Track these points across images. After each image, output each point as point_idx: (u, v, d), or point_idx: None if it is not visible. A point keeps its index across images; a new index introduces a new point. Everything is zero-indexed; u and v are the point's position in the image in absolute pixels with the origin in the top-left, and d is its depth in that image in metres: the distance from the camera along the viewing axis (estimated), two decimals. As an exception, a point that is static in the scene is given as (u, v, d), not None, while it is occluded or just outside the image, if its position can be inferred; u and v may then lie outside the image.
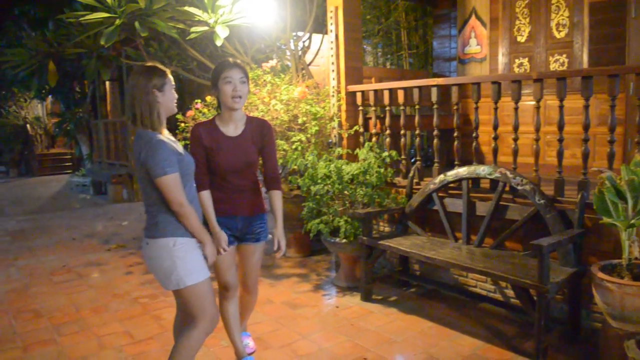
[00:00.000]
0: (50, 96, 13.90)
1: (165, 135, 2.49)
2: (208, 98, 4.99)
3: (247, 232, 2.96)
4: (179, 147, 2.51)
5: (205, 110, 4.97)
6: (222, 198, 2.85)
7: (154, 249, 2.46)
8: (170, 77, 2.50)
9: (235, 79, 2.70)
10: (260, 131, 2.88)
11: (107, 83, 11.34)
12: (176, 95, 2.55)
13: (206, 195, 2.80)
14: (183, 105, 11.42)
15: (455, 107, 4.35)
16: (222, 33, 4.71)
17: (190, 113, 5.05)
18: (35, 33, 7.62)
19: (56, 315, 4.14)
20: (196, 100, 5.08)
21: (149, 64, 2.50)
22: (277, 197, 2.95)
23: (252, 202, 2.93)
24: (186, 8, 4.82)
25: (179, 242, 2.45)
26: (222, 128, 2.82)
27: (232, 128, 2.83)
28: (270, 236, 3.06)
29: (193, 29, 4.79)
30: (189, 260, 2.47)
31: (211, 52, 6.22)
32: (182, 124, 5.03)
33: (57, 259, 5.91)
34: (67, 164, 16.23)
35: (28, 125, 16.57)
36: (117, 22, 4.70)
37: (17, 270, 5.50)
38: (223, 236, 2.77)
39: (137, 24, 4.76)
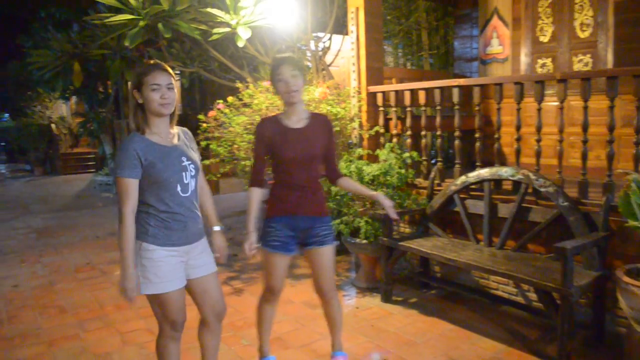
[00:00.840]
0: (74, 96, 14.12)
1: (147, 138, 2.37)
2: (230, 99, 5.03)
3: (311, 235, 2.85)
4: (156, 153, 2.35)
5: (227, 110, 5.01)
6: (285, 196, 2.81)
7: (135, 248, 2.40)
8: (155, 76, 2.31)
9: (287, 75, 2.65)
10: (324, 125, 2.84)
11: (130, 83, 11.49)
12: (157, 97, 2.31)
13: (256, 192, 2.83)
14: (204, 105, 11.56)
15: (477, 108, 4.32)
16: (244, 34, 4.75)
17: (212, 113, 5.09)
18: (60, 35, 7.75)
19: (80, 312, 4.21)
20: (218, 101, 5.12)
21: (146, 62, 2.44)
22: (350, 180, 3.05)
23: (315, 202, 2.84)
24: (208, 9, 4.87)
25: (146, 247, 2.36)
26: (286, 121, 2.78)
27: (295, 120, 2.77)
28: (337, 242, 2.99)
29: (215, 30, 4.83)
30: (149, 268, 2.36)
31: (232, 53, 6.27)
32: (204, 124, 5.07)
33: (81, 256, 6.01)
34: (90, 163, 16.47)
35: (53, 125, 16.86)
36: (141, 23, 4.77)
37: (42, 266, 5.61)
38: (251, 238, 2.77)
39: (160, 25, 4.82)
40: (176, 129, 2.51)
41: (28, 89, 16.87)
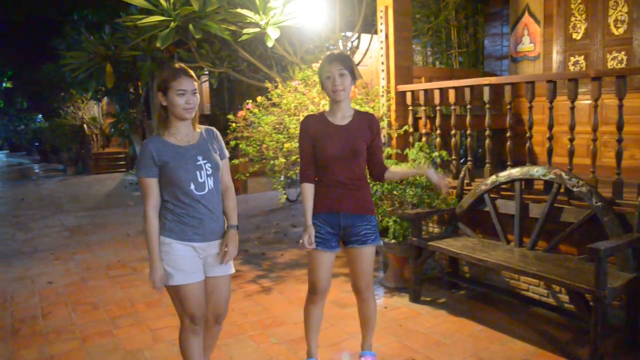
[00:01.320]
0: (105, 97, 14.40)
1: (165, 139, 2.47)
2: (259, 98, 5.06)
3: (352, 234, 2.84)
4: (170, 153, 2.44)
5: (255, 110, 5.05)
6: (326, 193, 2.83)
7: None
8: (182, 81, 2.39)
9: (335, 73, 2.66)
10: (368, 123, 2.82)
11: (156, 86, 11.65)
12: (181, 102, 2.39)
13: (307, 187, 2.85)
14: (233, 105, 11.64)
15: (508, 107, 4.26)
16: (273, 34, 4.78)
17: (241, 113, 5.13)
18: (93, 37, 7.91)
19: (112, 308, 4.29)
20: (247, 101, 5.16)
21: (171, 65, 2.48)
22: (393, 167, 3.08)
23: (357, 199, 2.82)
24: (238, 10, 4.91)
25: (163, 241, 2.48)
26: (330, 118, 2.81)
27: (340, 117, 2.80)
28: (381, 242, 2.99)
29: (245, 31, 4.87)
30: (166, 261, 2.47)
31: (261, 53, 6.32)
32: (233, 124, 5.12)
33: (112, 253, 6.12)
34: (121, 162, 16.77)
35: (85, 126, 17.24)
36: (172, 24, 4.83)
37: (75, 264, 5.74)
38: (309, 231, 2.79)
39: (191, 26, 4.88)
40: (199, 128, 2.58)
41: (61, 90, 17.29)
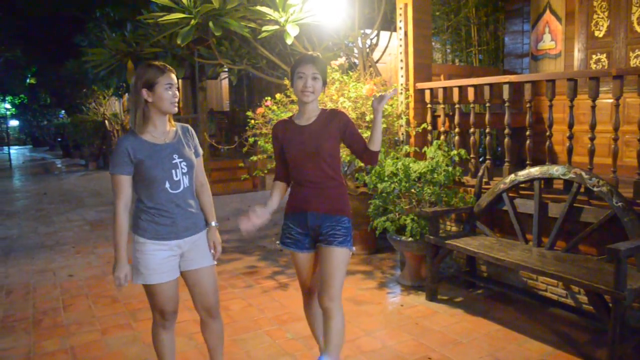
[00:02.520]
0: (126, 93, 14.55)
1: (151, 133, 2.48)
2: (278, 95, 5.09)
3: (320, 233, 2.75)
4: (145, 151, 2.44)
5: (274, 107, 5.08)
6: (296, 193, 2.80)
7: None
8: (169, 76, 2.44)
9: (308, 74, 2.63)
10: (331, 119, 2.72)
11: (180, 81, 11.76)
12: (170, 95, 2.43)
13: (275, 184, 2.90)
14: (252, 102, 11.71)
15: (528, 105, 4.23)
16: (292, 32, 4.79)
17: (260, 110, 5.16)
18: (115, 34, 8.00)
19: (131, 302, 4.35)
20: (266, 98, 5.18)
21: (150, 62, 2.48)
22: (369, 136, 2.71)
23: (326, 198, 2.73)
24: (258, 7, 4.94)
25: (137, 240, 2.51)
26: (296, 120, 2.78)
27: (305, 119, 2.75)
28: (354, 248, 2.80)
29: (264, 28, 4.90)
30: (140, 260, 2.51)
31: (280, 51, 6.34)
32: (252, 121, 5.15)
33: (131, 248, 6.18)
34: (141, 158, 16.90)
35: (106, 122, 17.45)
36: (193, 22, 4.88)
37: (96, 257, 5.83)
38: (251, 213, 2.79)
39: (211, 23, 4.92)
40: (175, 126, 2.59)
41: (83, 86, 17.51)
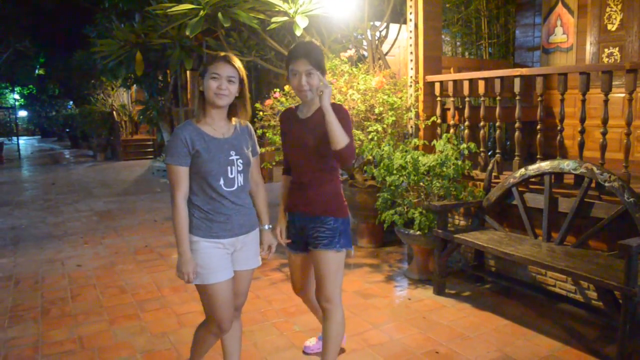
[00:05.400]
0: (135, 85, 14.58)
1: (199, 127, 2.39)
2: (286, 87, 5.07)
3: (307, 236, 2.67)
4: (205, 144, 2.36)
5: (283, 99, 5.05)
6: (290, 191, 2.75)
7: None
8: (218, 66, 2.32)
9: (301, 70, 2.47)
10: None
11: (188, 72, 11.75)
12: (214, 86, 2.31)
13: (283, 179, 2.84)
14: (260, 94, 11.69)
15: (539, 99, 4.18)
16: (301, 23, 4.76)
17: (268, 102, 5.15)
18: (123, 25, 7.99)
19: (139, 292, 4.37)
20: (274, 90, 5.17)
21: (217, 52, 2.43)
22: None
23: (312, 200, 2.62)
24: (267, -1, 4.91)
25: (190, 239, 2.39)
26: (298, 111, 2.69)
27: (306, 111, 2.64)
28: (346, 249, 2.69)
29: (274, 19, 4.87)
30: (195, 259, 2.38)
31: (289, 42, 6.31)
32: (261, 113, 5.14)
33: (140, 239, 6.22)
34: (149, 149, 16.99)
35: (114, 113, 17.50)
36: (202, 13, 4.86)
37: (104, 248, 5.85)
38: (279, 226, 2.79)
39: (220, 14, 4.90)
40: (235, 122, 2.50)
41: (92, 77, 17.56)
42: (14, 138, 23.12)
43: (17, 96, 30.32)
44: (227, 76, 2.33)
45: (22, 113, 35.00)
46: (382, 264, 5.01)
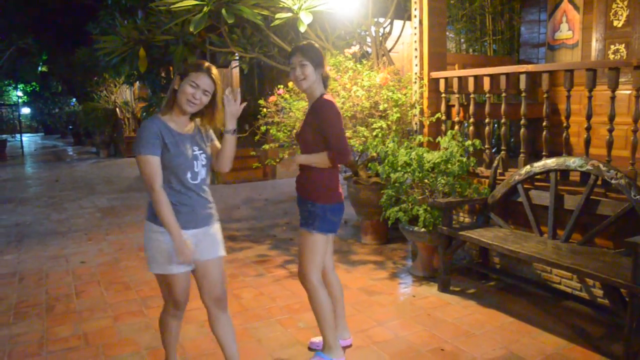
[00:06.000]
0: (138, 82, 14.56)
1: (167, 123, 2.47)
2: (290, 84, 5.05)
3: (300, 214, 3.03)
4: (174, 140, 2.45)
5: (287, 96, 5.04)
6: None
7: (145, 229, 2.56)
8: (199, 76, 2.41)
9: (295, 63, 2.81)
10: (313, 109, 2.86)
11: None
12: (189, 93, 2.42)
13: None
14: (263, 91, 11.66)
15: (545, 95, 4.16)
16: (305, 19, 4.75)
17: (272, 99, 5.13)
18: (126, 21, 7.98)
19: (143, 289, 4.36)
20: (279, 86, 5.15)
21: (202, 60, 2.54)
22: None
23: (301, 184, 2.98)
24: (271, -5, 4.90)
25: (153, 229, 2.50)
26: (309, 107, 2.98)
27: (310, 104, 2.95)
28: (319, 232, 2.89)
29: (277, 16, 4.86)
30: (153, 248, 2.52)
31: (292, 39, 6.28)
32: (264, 110, 5.12)
33: (143, 235, 6.20)
34: (152, 146, 16.93)
35: (117, 109, 17.49)
36: (205, 9, 4.85)
37: (108, 244, 5.85)
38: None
39: (224, 11, 4.88)
40: (194, 121, 2.60)
41: (95, 74, 17.54)
42: (17, 135, 23.15)
43: (20, 93, 30.33)
44: (204, 89, 2.45)
45: (25, 110, 35.05)
46: (386, 261, 5.00)
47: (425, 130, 5.01)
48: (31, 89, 31.37)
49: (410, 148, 4.49)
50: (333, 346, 2.97)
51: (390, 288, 4.31)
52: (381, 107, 4.85)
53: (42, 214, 7.73)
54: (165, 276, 2.54)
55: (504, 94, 4.46)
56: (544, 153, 4.17)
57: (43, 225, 6.92)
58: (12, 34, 18.68)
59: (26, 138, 27.76)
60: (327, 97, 2.86)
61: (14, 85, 28.38)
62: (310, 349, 3.25)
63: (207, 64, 2.48)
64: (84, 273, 4.84)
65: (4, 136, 22.09)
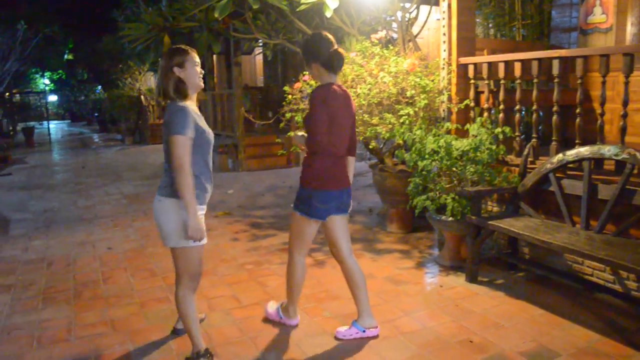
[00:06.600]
0: (162, 69, 14.63)
1: (191, 107, 2.75)
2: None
3: None
4: (202, 122, 2.78)
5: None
6: None
7: (164, 206, 2.76)
8: (192, 55, 2.76)
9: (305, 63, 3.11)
10: (311, 96, 3.03)
11: (214, 56, 11.71)
12: (198, 71, 2.77)
13: None
14: (286, 78, 11.61)
15: (579, 82, 4.03)
16: (331, 4, 4.67)
17: (297, 85, 5.08)
18: (151, 8, 7.99)
19: (169, 276, 4.37)
20: (303, 72, 5.09)
21: (173, 47, 2.82)
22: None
23: (302, 168, 3.11)
24: (296, -21, 4.83)
25: (180, 205, 2.70)
26: None
27: None
28: (297, 212, 3.11)
29: (303, 0, 4.79)
30: (176, 222, 2.75)
31: (317, 25, 6.21)
32: (290, 97, 5.07)
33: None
34: (176, 133, 17.03)
35: (142, 97, 17.61)
36: (230, -6, 4.80)
37: (134, 231, 5.90)
38: None
39: (248, -4, 4.84)
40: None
41: (119, 62, 17.68)
42: (45, 122, 23.52)
43: (47, 81, 30.80)
44: (200, 64, 2.83)
45: (52, 97, 35.58)
46: (412, 249, 4.94)
47: (454, 117, 4.90)
48: (57, 76, 31.83)
49: (438, 135, 4.40)
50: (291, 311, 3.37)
51: (416, 277, 4.25)
52: (408, 94, 4.76)
53: (69, 200, 7.83)
54: (186, 249, 2.78)
55: (536, 80, 4.33)
56: (577, 141, 4.04)
57: (70, 212, 7.01)
58: (39, 22, 18.90)
59: (53, 125, 28.22)
60: (324, 86, 2.96)
61: (41, 73, 28.80)
62: (336, 338, 3.21)
63: (183, 46, 2.80)
64: (111, 259, 4.89)
65: (32, 123, 22.46)
